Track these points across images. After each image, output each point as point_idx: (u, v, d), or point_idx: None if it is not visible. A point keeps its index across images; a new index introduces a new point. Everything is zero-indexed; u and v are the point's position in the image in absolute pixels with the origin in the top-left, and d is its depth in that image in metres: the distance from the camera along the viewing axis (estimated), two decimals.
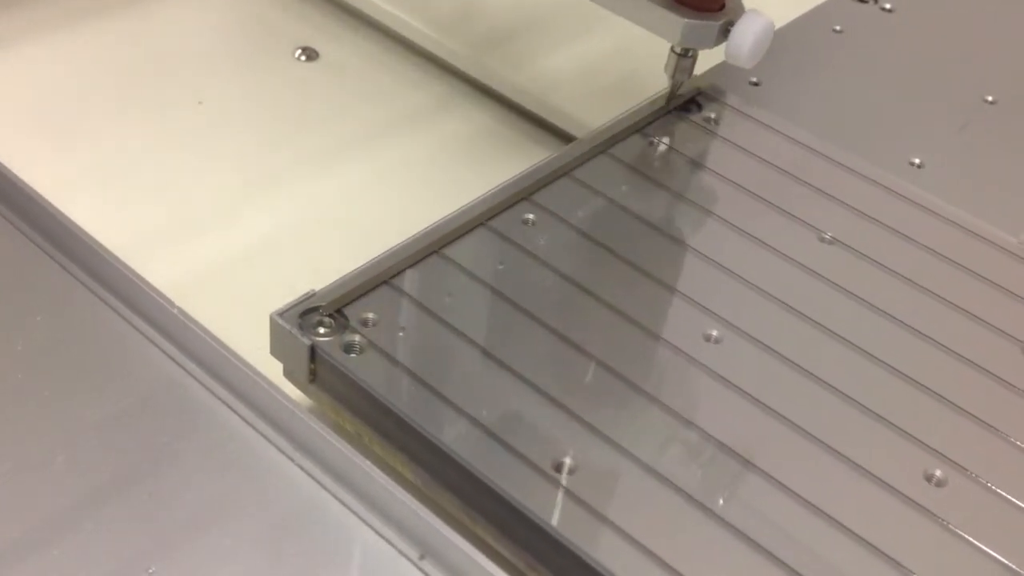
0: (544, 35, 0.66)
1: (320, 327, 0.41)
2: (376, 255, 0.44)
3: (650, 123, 0.54)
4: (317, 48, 0.63)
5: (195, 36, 0.63)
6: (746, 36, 0.50)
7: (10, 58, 0.59)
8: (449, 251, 0.45)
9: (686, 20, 0.50)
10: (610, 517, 0.37)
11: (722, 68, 0.60)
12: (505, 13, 0.67)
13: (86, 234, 0.44)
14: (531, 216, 0.48)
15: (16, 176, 0.46)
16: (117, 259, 0.44)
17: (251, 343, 0.42)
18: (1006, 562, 0.38)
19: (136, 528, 0.37)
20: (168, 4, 0.65)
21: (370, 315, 0.42)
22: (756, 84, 0.59)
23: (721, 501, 0.38)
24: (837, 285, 0.47)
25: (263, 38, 0.64)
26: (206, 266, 0.50)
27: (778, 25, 0.64)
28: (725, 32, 0.51)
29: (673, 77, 0.54)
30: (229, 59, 0.62)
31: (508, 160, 0.57)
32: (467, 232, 0.46)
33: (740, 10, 0.51)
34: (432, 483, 0.39)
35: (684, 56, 0.53)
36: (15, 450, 0.39)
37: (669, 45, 0.53)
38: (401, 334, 0.42)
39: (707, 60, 0.60)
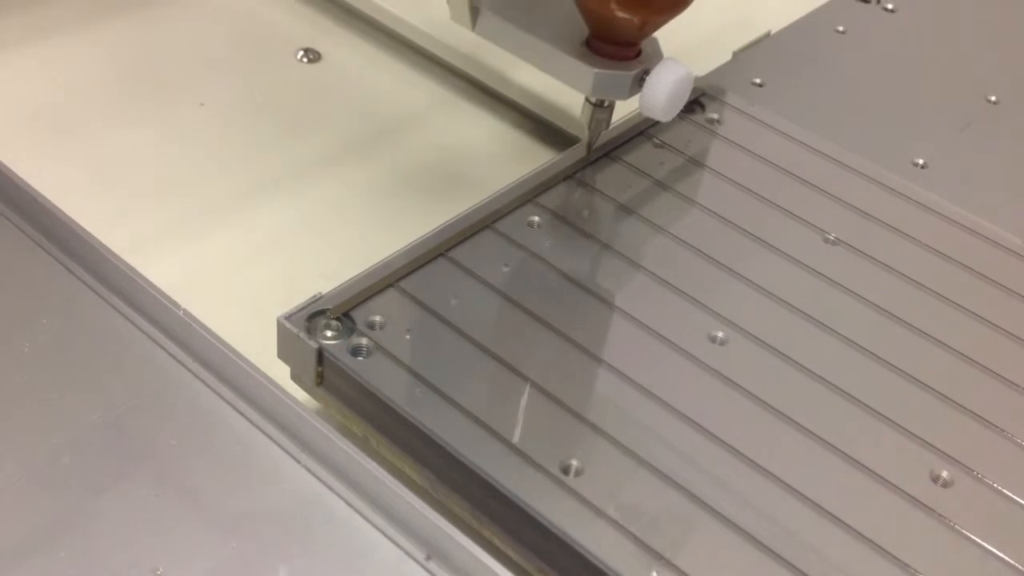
0: None
1: (327, 330, 0.41)
2: (382, 258, 0.44)
3: (654, 124, 0.54)
4: (319, 49, 0.63)
5: (197, 37, 0.63)
6: (661, 87, 0.46)
7: (13, 60, 0.59)
8: (455, 254, 0.45)
9: (597, 70, 0.46)
10: (616, 518, 0.37)
11: (725, 69, 0.60)
12: None
13: (91, 236, 0.44)
14: (536, 218, 0.48)
15: (20, 178, 0.46)
16: (122, 260, 0.44)
17: (257, 346, 0.42)
18: (1012, 562, 0.38)
19: (143, 529, 0.37)
20: (170, 5, 0.65)
21: (377, 318, 0.42)
22: (759, 85, 0.59)
23: (727, 502, 0.38)
24: (841, 285, 0.47)
25: (265, 39, 0.64)
26: (210, 268, 0.50)
27: (781, 25, 0.65)
28: (641, 81, 0.47)
29: (589, 128, 0.50)
30: (231, 60, 0.62)
31: (511, 162, 0.57)
32: (472, 235, 0.46)
33: (657, 57, 0.48)
34: (439, 485, 0.39)
35: (600, 106, 0.49)
36: (21, 451, 0.39)
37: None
38: (408, 337, 0.42)
39: (709, 62, 0.60)
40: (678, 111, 0.48)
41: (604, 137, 0.52)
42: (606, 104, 0.49)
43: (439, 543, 0.37)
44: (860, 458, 0.40)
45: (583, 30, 0.47)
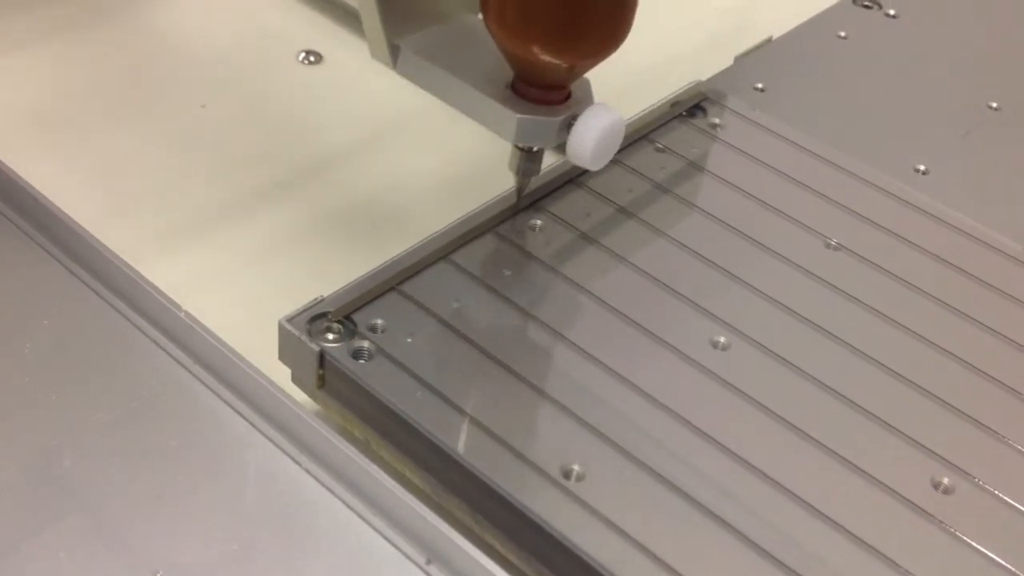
0: None
1: (329, 333, 0.41)
2: (383, 261, 0.44)
3: (655, 128, 0.54)
4: (321, 51, 0.63)
5: (198, 39, 0.63)
6: (588, 134, 0.43)
7: (14, 60, 0.59)
8: (457, 257, 0.45)
9: (520, 116, 0.43)
10: (618, 523, 0.37)
11: (727, 74, 0.60)
12: None
13: (92, 237, 0.44)
14: (538, 222, 0.48)
15: (21, 178, 0.46)
16: (123, 262, 0.44)
17: (258, 348, 0.42)
18: (1014, 570, 0.38)
19: (143, 531, 0.37)
20: (171, 7, 0.65)
21: (378, 321, 0.42)
22: (761, 90, 0.59)
23: (729, 508, 0.38)
24: (843, 291, 0.47)
25: (266, 41, 0.64)
26: (211, 269, 0.50)
27: (783, 31, 0.65)
28: (570, 126, 0.43)
29: (517, 175, 0.46)
30: (232, 62, 0.62)
31: None
32: (475, 238, 0.46)
33: (587, 101, 0.44)
34: (440, 488, 0.39)
35: (529, 151, 0.45)
36: (22, 452, 0.38)
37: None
38: (409, 340, 0.42)
39: (710, 66, 0.60)
40: (609, 159, 0.45)
41: None
42: (536, 150, 0.45)
43: (440, 547, 0.37)
44: (861, 464, 0.40)
45: (510, 71, 0.44)
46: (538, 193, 0.49)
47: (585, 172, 0.51)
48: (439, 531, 0.37)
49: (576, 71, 0.43)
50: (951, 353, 0.45)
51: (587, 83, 0.45)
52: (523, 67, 0.43)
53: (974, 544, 0.38)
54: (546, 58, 0.41)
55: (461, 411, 0.39)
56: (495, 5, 0.42)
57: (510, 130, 0.44)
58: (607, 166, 0.51)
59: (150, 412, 0.40)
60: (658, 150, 0.53)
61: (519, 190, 0.47)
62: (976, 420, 0.43)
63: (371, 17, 0.45)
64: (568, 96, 0.44)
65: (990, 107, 0.61)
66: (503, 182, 0.48)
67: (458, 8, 0.47)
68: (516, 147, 0.45)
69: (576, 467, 0.38)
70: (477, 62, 0.45)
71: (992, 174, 0.57)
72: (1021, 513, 0.40)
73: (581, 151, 0.43)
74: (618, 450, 0.39)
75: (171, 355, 0.42)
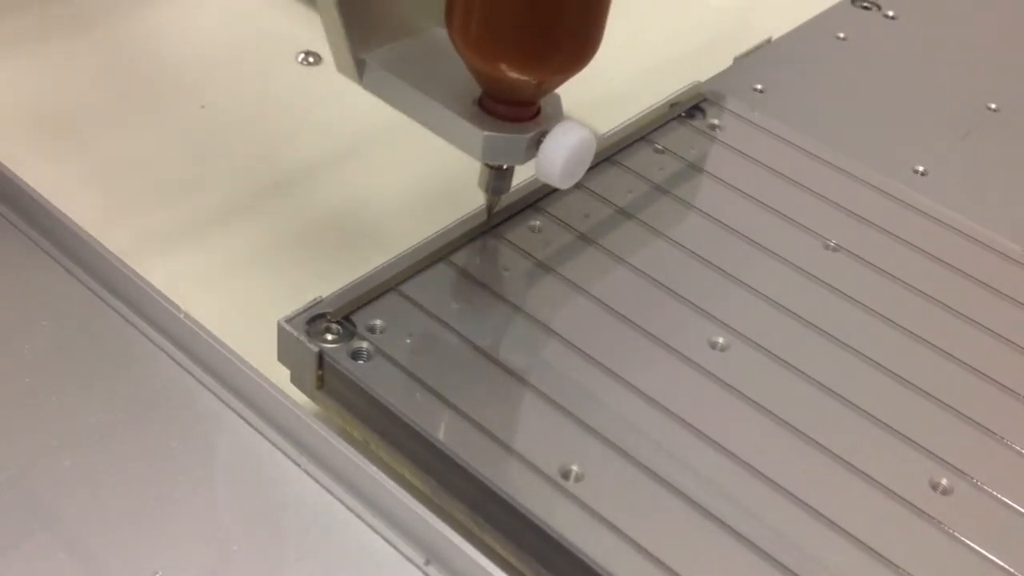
0: None
1: (327, 334, 0.41)
2: (383, 261, 0.44)
3: (654, 129, 0.54)
4: (320, 52, 0.63)
5: (198, 39, 0.63)
6: (557, 152, 0.41)
7: (13, 60, 0.59)
8: (456, 258, 0.45)
9: (487, 133, 0.41)
10: (617, 524, 0.37)
11: (726, 75, 0.60)
12: None
13: (91, 237, 0.44)
14: (537, 223, 0.48)
15: (20, 179, 0.46)
16: (122, 263, 0.44)
17: (257, 348, 0.42)
18: (1012, 570, 0.38)
19: (142, 532, 0.37)
20: (171, 7, 0.65)
21: (377, 322, 0.42)
22: (760, 91, 0.59)
23: (727, 508, 0.38)
24: (842, 292, 0.47)
25: (265, 41, 0.64)
26: (211, 270, 0.50)
27: (782, 32, 0.65)
28: (539, 143, 0.42)
29: (487, 193, 0.45)
30: (231, 62, 0.62)
31: None
32: (474, 239, 0.46)
33: (558, 117, 0.43)
34: (439, 489, 0.39)
35: (499, 169, 0.44)
36: (22, 454, 0.39)
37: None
38: (408, 341, 0.42)
39: (710, 67, 0.60)
40: (580, 176, 0.43)
41: (606, 142, 0.52)
42: (506, 167, 0.44)
43: (438, 548, 0.37)
44: (859, 465, 0.40)
45: (478, 87, 0.43)
46: (537, 194, 0.49)
47: (585, 172, 0.50)
48: (438, 532, 0.37)
49: (545, 87, 0.42)
50: (949, 354, 0.45)
51: (557, 98, 0.44)
52: (490, 83, 0.42)
53: (972, 545, 0.38)
54: (513, 75, 0.40)
55: (460, 412, 0.39)
56: (459, 19, 0.40)
57: (477, 148, 0.42)
58: (606, 166, 0.51)
59: (149, 413, 0.40)
60: (657, 151, 0.53)
61: (489, 208, 0.46)
62: (975, 421, 0.43)
63: (335, 31, 0.44)
64: (538, 112, 0.43)
65: (989, 108, 0.61)
66: None
67: (427, 21, 0.46)
68: (485, 164, 0.44)
69: (575, 468, 0.38)
70: (445, 77, 0.43)
71: (991, 175, 0.57)
72: (1019, 514, 0.40)
73: (550, 169, 0.42)
74: (617, 451, 0.39)
75: (170, 356, 0.42)
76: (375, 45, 0.44)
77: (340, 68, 0.45)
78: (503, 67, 0.40)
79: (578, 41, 0.40)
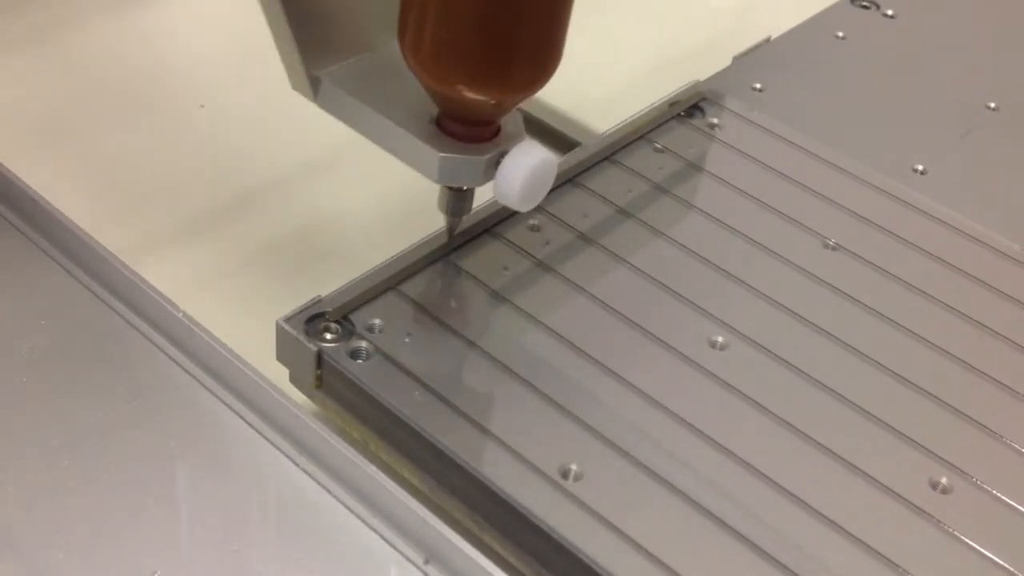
0: None
1: (326, 333, 0.41)
2: (382, 260, 0.44)
3: (654, 128, 0.54)
4: None
5: (197, 38, 0.63)
6: (515, 174, 0.39)
7: (13, 60, 0.59)
8: (455, 257, 0.45)
9: (443, 154, 0.40)
10: (616, 523, 0.37)
11: (725, 74, 0.60)
12: None
13: (90, 237, 0.44)
14: (536, 222, 0.48)
15: (19, 179, 0.46)
16: (121, 262, 0.44)
17: (256, 348, 0.42)
18: (1012, 569, 0.38)
19: (141, 532, 0.37)
20: (170, 6, 0.65)
21: (376, 321, 0.42)
22: (759, 90, 0.59)
23: (727, 508, 0.38)
24: (841, 291, 0.47)
25: (265, 41, 0.63)
26: (210, 270, 0.50)
27: (781, 31, 0.65)
28: (498, 164, 0.40)
29: (447, 214, 0.43)
30: (231, 62, 0.62)
31: None
32: (473, 238, 0.46)
33: (517, 137, 0.41)
34: (438, 489, 0.39)
35: (459, 190, 0.42)
36: (20, 453, 0.38)
37: None
38: (407, 340, 0.42)
39: (709, 67, 0.60)
40: (541, 198, 0.41)
41: (605, 141, 0.52)
42: (465, 188, 0.42)
43: (437, 547, 0.37)
44: (859, 463, 0.40)
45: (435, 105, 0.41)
46: None
47: (584, 172, 0.51)
48: (437, 531, 0.37)
49: (504, 107, 0.40)
50: (949, 353, 0.45)
51: (518, 116, 0.42)
52: (445, 103, 0.40)
53: (972, 543, 0.38)
54: (468, 95, 0.38)
55: (459, 411, 0.39)
56: (411, 36, 0.38)
57: (433, 169, 0.40)
58: (606, 166, 0.51)
59: (148, 412, 0.40)
60: (656, 150, 0.53)
61: (449, 230, 0.44)
62: (974, 420, 0.43)
63: (287, 47, 0.42)
64: (497, 131, 0.41)
65: (988, 107, 0.61)
66: None
67: (386, 35, 0.42)
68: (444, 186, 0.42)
69: (574, 467, 0.38)
70: (402, 95, 0.41)
71: (990, 174, 0.57)
72: (1019, 512, 0.40)
73: (507, 192, 0.40)
74: (616, 450, 0.39)
75: (169, 355, 0.42)
76: (330, 61, 0.43)
77: (294, 85, 0.43)
78: (458, 87, 0.38)
79: (537, 58, 0.39)
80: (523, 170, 0.40)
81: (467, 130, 0.40)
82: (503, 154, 0.40)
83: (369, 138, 0.42)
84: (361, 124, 0.42)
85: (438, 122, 0.41)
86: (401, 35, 0.39)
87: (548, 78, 0.39)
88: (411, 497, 0.37)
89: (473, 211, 0.47)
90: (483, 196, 0.48)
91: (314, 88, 0.42)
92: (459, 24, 0.37)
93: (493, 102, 0.39)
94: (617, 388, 0.41)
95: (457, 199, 0.43)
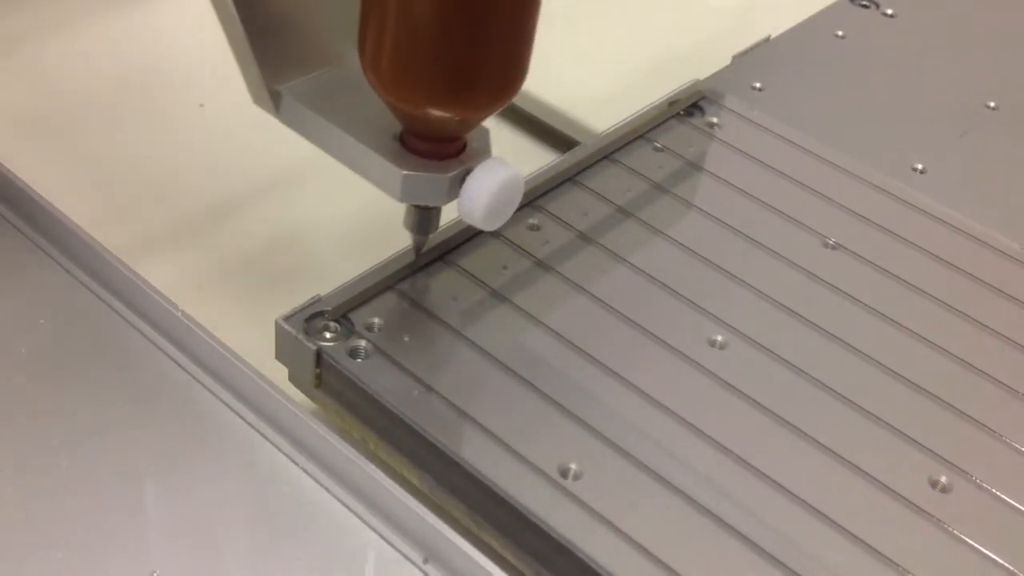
0: (546, 38, 0.66)
1: (326, 332, 0.41)
2: (381, 259, 0.44)
3: (653, 128, 0.54)
4: None
5: (197, 38, 0.63)
6: (479, 193, 0.38)
7: (12, 60, 0.59)
8: (454, 256, 0.45)
9: (406, 172, 0.38)
10: (616, 523, 0.37)
11: (725, 73, 0.60)
12: None
13: (89, 236, 0.44)
14: (535, 221, 0.48)
15: (19, 178, 0.46)
16: (120, 262, 0.44)
17: (255, 347, 0.42)
18: (1012, 568, 0.38)
19: (140, 531, 0.37)
20: (170, 6, 0.64)
21: (375, 320, 0.42)
22: (759, 89, 0.59)
23: (726, 507, 0.38)
24: (841, 290, 0.47)
25: None
26: (209, 269, 0.50)
27: (781, 30, 0.65)
28: (463, 181, 0.39)
29: (412, 232, 0.42)
30: (231, 61, 0.62)
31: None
32: (472, 237, 0.46)
33: (484, 154, 0.40)
34: (437, 488, 0.39)
35: (425, 208, 0.41)
36: (19, 453, 0.39)
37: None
38: (406, 339, 0.42)
39: (708, 66, 0.60)
40: (508, 216, 0.40)
41: (605, 140, 0.52)
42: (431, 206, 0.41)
43: (437, 546, 0.37)
44: (858, 462, 0.40)
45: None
46: (536, 192, 0.49)
47: (583, 171, 0.51)
48: (436, 530, 0.37)
49: (468, 124, 0.39)
50: (948, 352, 0.45)
51: (485, 132, 0.40)
52: (408, 120, 0.39)
53: (971, 542, 0.38)
54: (430, 112, 0.37)
55: (458, 410, 0.39)
56: (370, 51, 0.37)
57: (395, 188, 0.39)
58: (605, 165, 0.51)
59: (148, 412, 0.40)
60: (656, 149, 0.53)
61: (416, 248, 0.43)
62: (973, 419, 0.43)
63: (246, 60, 0.41)
64: (463, 148, 0.39)
65: (988, 107, 0.61)
66: None
67: (349, 49, 0.40)
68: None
69: (573, 466, 0.38)
70: (364, 111, 0.40)
71: (990, 173, 0.57)
72: (1018, 511, 0.40)
73: (471, 211, 0.39)
74: (615, 449, 0.39)
75: (169, 355, 0.42)
76: (292, 75, 0.41)
77: (256, 100, 0.42)
78: (419, 104, 0.37)
79: (503, 74, 0.37)
80: (488, 189, 0.38)
81: (431, 147, 0.39)
82: (468, 172, 0.39)
83: (331, 154, 0.41)
84: (323, 140, 0.41)
85: (401, 138, 0.39)
86: (361, 50, 0.38)
87: (514, 93, 0.38)
88: (410, 496, 0.37)
89: None
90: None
91: (275, 103, 0.41)
92: (420, 39, 0.36)
93: (457, 119, 0.38)
94: (617, 387, 0.41)
95: (423, 217, 0.41)
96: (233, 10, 0.40)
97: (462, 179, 0.39)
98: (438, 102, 0.37)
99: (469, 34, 0.36)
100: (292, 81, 0.41)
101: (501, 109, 0.38)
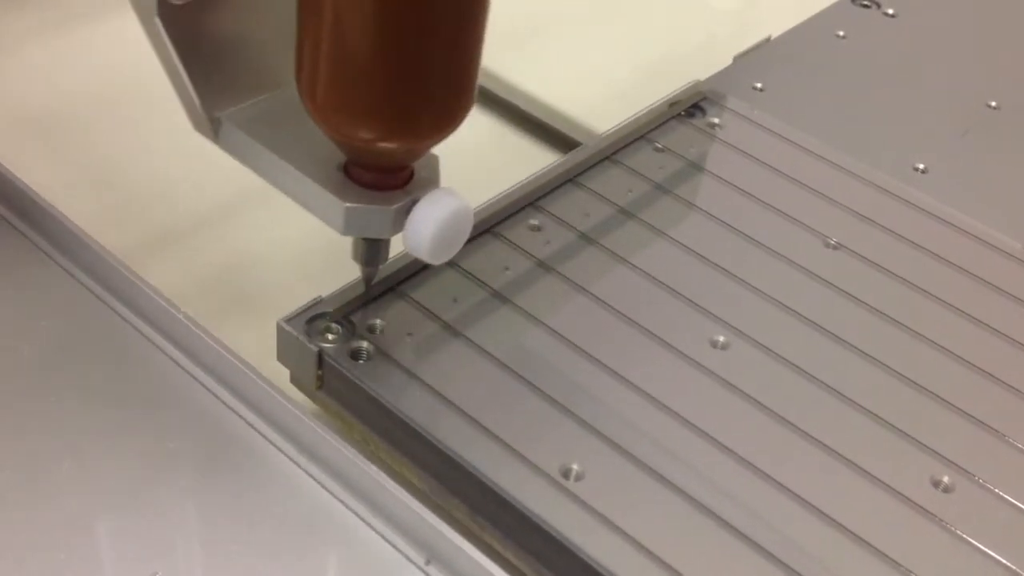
0: (548, 39, 0.66)
1: (327, 333, 0.41)
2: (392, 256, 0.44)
3: (654, 128, 0.54)
4: None
5: None
6: (424, 225, 0.36)
7: (13, 60, 0.58)
8: (455, 257, 0.45)
9: (348, 204, 0.36)
10: (617, 523, 0.37)
11: (726, 73, 0.60)
12: (509, 18, 0.67)
13: (90, 238, 0.44)
14: (536, 222, 0.48)
15: (20, 180, 0.46)
16: (122, 263, 0.44)
17: (257, 348, 0.42)
18: (1015, 567, 0.38)
19: (142, 532, 0.37)
20: None
21: (377, 321, 0.42)
22: (760, 89, 0.59)
23: (728, 507, 0.38)
24: (842, 290, 0.47)
25: None
26: (210, 270, 0.50)
27: (782, 30, 0.65)
28: (410, 212, 0.37)
29: (361, 264, 0.41)
30: None
31: (512, 166, 0.57)
32: (473, 238, 0.46)
33: (431, 184, 0.38)
34: (439, 489, 0.39)
35: (373, 240, 0.39)
36: (21, 455, 0.38)
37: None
38: (408, 340, 0.41)
39: (709, 66, 0.60)
40: (457, 249, 0.39)
41: (606, 141, 0.52)
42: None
43: (439, 547, 0.37)
44: (860, 462, 0.40)
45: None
46: (537, 193, 0.49)
47: (584, 172, 0.51)
48: (438, 531, 0.36)
49: (413, 154, 0.37)
50: (950, 351, 0.45)
51: (433, 160, 0.39)
52: (349, 150, 0.37)
53: (974, 542, 0.38)
54: (370, 143, 0.35)
55: (460, 411, 0.39)
56: (306, 79, 0.35)
57: (338, 220, 0.37)
58: (606, 165, 0.51)
59: (149, 413, 0.40)
60: (657, 150, 0.53)
61: (366, 280, 0.42)
62: (976, 418, 0.43)
63: (181, 87, 0.39)
64: (410, 177, 0.38)
65: (989, 106, 0.61)
66: (502, 182, 0.48)
67: (291, 75, 0.38)
68: None
69: (575, 466, 0.38)
70: (306, 139, 0.38)
71: (991, 173, 0.57)
72: (1021, 511, 0.40)
73: (417, 244, 0.37)
74: (617, 449, 0.39)
75: (170, 356, 0.42)
76: (230, 102, 0.39)
77: (196, 126, 0.40)
78: (357, 134, 0.35)
79: (446, 100, 0.35)
80: (433, 222, 0.37)
81: (375, 177, 0.37)
82: (415, 202, 0.37)
83: (273, 184, 0.39)
84: (263, 169, 0.39)
85: (345, 168, 0.38)
86: (297, 75, 0.36)
87: (461, 120, 0.36)
88: (412, 497, 0.37)
89: (473, 211, 0.47)
90: (486, 195, 0.48)
91: (215, 130, 0.40)
92: (355, 64, 0.34)
93: (400, 149, 0.36)
94: (618, 387, 0.41)
95: (371, 249, 0.40)
96: (164, 35, 0.38)
97: (408, 210, 0.37)
98: (377, 131, 0.35)
99: (408, 58, 0.33)
100: (231, 108, 0.40)
101: (447, 138, 0.36)
